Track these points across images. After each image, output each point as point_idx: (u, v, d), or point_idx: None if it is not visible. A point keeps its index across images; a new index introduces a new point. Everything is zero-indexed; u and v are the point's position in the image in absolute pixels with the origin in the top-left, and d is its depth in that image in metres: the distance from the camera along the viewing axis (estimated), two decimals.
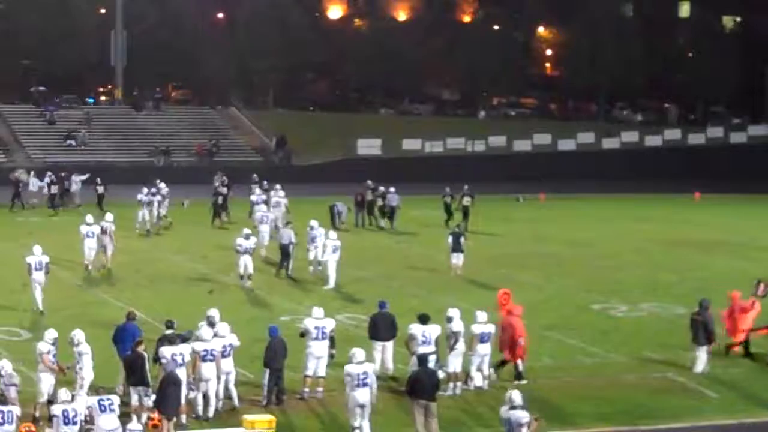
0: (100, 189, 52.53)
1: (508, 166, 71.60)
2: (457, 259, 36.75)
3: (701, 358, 24.76)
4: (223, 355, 21.25)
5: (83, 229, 36.19)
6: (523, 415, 17.31)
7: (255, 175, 51.87)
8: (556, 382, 23.91)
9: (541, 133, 78.05)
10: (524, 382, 23.54)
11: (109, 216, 37.43)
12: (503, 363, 23.91)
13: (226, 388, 21.37)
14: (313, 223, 36.57)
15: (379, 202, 48.36)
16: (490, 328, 23.25)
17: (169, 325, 21.83)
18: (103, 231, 36.24)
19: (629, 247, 44.29)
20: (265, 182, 49.47)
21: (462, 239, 37.26)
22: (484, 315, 23.33)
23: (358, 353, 19.97)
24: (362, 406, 19.58)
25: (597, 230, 49.25)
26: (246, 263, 33.33)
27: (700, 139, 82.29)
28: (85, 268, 36.01)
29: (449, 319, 22.99)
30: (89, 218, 37.14)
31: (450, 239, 37.13)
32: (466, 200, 47.76)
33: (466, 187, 48.32)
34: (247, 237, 33.79)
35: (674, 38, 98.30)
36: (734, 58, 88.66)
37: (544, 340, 27.60)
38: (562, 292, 34.01)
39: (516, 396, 17.56)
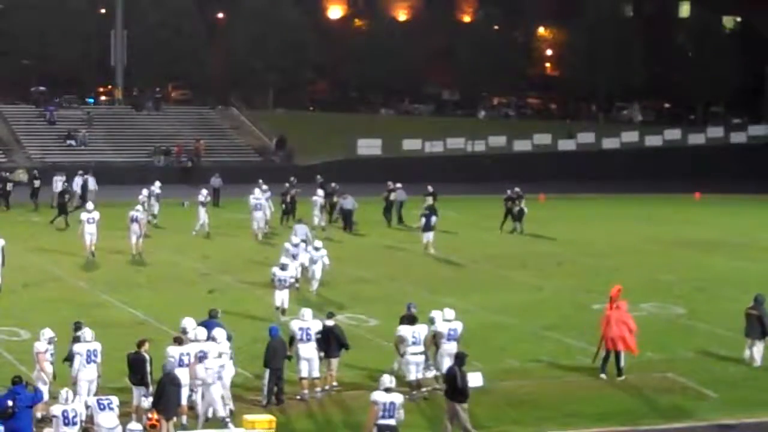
0: (37, 183, 52.98)
1: (508, 166, 71.56)
2: (428, 237, 40.77)
3: (758, 351, 25.11)
4: (230, 358, 21.24)
5: (83, 215, 38.44)
6: (398, 397, 18.46)
7: (318, 176, 52.34)
8: (556, 382, 23.92)
9: (541, 133, 78.05)
10: (623, 377, 23.98)
11: (138, 207, 40.38)
12: (609, 356, 24.23)
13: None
14: (296, 239, 34.49)
15: (429, 200, 48.46)
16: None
17: (78, 326, 21.75)
18: (134, 220, 38.84)
19: (629, 247, 44.28)
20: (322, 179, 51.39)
21: (434, 219, 41.30)
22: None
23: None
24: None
25: (597, 230, 49.23)
26: (283, 299, 29.36)
27: (700, 139, 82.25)
28: (90, 254, 37.80)
29: (432, 320, 23.07)
30: (90, 205, 39.52)
31: (423, 220, 41.24)
32: (522, 202, 47.49)
33: (517, 189, 48.06)
34: (283, 267, 29.79)
35: (674, 38, 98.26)
36: (734, 58, 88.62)
37: (544, 340, 27.62)
38: (562, 292, 34.00)
39: (386, 379, 18.60)
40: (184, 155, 68.70)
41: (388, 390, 18.47)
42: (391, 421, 18.36)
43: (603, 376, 24.12)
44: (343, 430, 20.73)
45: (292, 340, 22.47)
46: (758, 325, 25.26)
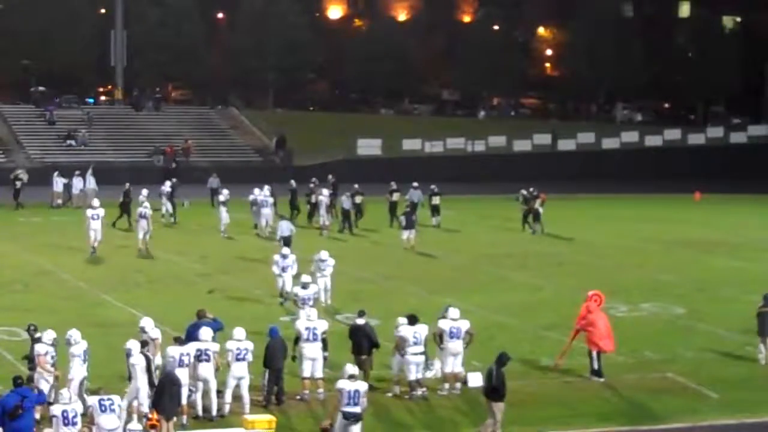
0: (18, 184, 53.27)
1: (508, 166, 71.59)
2: (409, 234, 41.66)
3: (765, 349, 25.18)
4: (237, 359, 21.25)
5: (89, 212, 39.40)
6: (362, 385, 19.08)
7: (330, 176, 52.34)
8: (556, 382, 23.90)
9: (541, 133, 78.06)
10: (603, 379, 23.89)
11: (146, 203, 41.06)
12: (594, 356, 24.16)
13: (238, 394, 21.29)
14: (286, 250, 32.01)
15: (435, 200, 48.75)
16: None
17: (33, 328, 21.71)
18: (142, 216, 40.00)
19: (629, 247, 44.27)
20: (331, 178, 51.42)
21: (414, 217, 42.53)
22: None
23: (237, 332, 21.39)
24: (241, 378, 21.13)
25: (597, 230, 49.21)
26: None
27: (700, 139, 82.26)
28: (93, 249, 38.71)
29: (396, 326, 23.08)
30: (96, 202, 40.27)
31: (402, 218, 42.39)
32: (537, 202, 47.62)
33: (531, 189, 48.22)
34: (304, 286, 27.60)
35: (674, 38, 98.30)
36: (734, 58, 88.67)
37: (543, 340, 27.61)
38: (562, 292, 33.96)
39: (349, 368, 19.28)
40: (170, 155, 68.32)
41: (352, 377, 19.01)
42: (356, 409, 18.81)
43: (602, 379, 24.02)
44: None
45: (297, 339, 22.50)
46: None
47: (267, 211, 45.17)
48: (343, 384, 18.99)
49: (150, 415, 19.44)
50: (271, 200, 45.36)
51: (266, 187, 46.26)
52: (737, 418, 21.75)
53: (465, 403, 22.33)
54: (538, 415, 21.58)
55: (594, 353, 24.25)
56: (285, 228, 38.21)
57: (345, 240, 44.57)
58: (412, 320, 22.80)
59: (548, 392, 23.09)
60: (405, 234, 41.81)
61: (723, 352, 26.53)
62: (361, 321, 23.16)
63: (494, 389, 19.93)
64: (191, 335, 21.90)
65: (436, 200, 48.75)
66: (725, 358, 26.05)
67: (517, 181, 59.50)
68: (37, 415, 19.21)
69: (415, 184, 49.89)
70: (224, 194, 45.71)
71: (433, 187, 49.16)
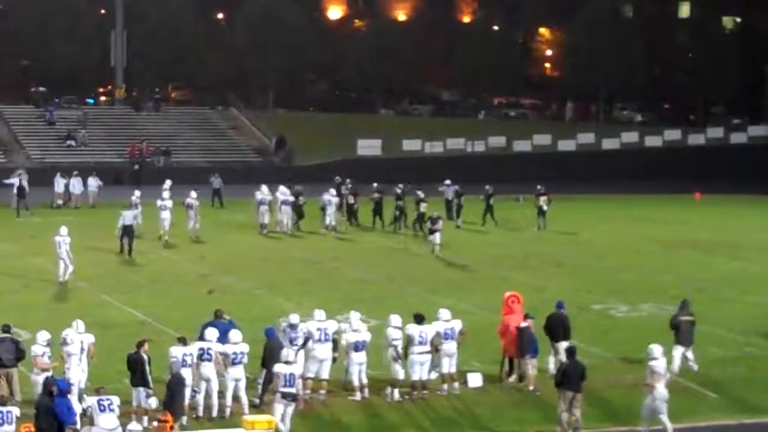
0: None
1: (508, 166, 71.53)
2: (434, 239, 41.14)
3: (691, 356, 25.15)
4: (234, 362, 21.24)
5: (158, 202, 42.06)
6: (297, 369, 20.72)
7: (337, 177, 51.97)
8: None
9: (541, 133, 78.03)
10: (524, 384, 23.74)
11: (193, 194, 43.09)
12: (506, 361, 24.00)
13: (236, 395, 21.33)
14: (295, 318, 23.15)
15: (460, 200, 49.23)
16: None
17: (6, 329, 21.80)
18: (189, 206, 42.23)
19: (629, 247, 44.27)
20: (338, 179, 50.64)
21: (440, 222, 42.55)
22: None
23: (233, 335, 21.51)
24: (238, 380, 21.29)
25: (597, 230, 49.21)
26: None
27: (700, 140, 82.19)
28: (159, 238, 41.37)
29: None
30: (165, 194, 42.56)
31: (429, 223, 42.16)
32: (542, 200, 48.01)
33: (539, 186, 48.60)
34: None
35: (674, 38, 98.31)
36: (734, 58, 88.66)
37: (544, 341, 27.56)
38: (562, 292, 33.94)
39: (284, 352, 20.81)
40: (129, 156, 67.70)
41: (288, 363, 20.36)
42: (292, 389, 20.15)
43: (511, 379, 23.82)
44: (344, 430, 20.74)
45: (307, 340, 22.49)
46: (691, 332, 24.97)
47: (287, 210, 45.39)
48: (280, 368, 20.19)
49: (161, 417, 19.43)
50: (291, 198, 45.63)
51: (281, 187, 46.22)
52: (737, 418, 21.75)
53: (464, 403, 22.32)
54: (539, 415, 21.58)
55: (507, 359, 23.88)
56: (129, 217, 38.95)
57: (343, 240, 44.58)
58: (420, 319, 22.76)
59: (548, 392, 23.06)
60: (435, 238, 40.68)
61: (723, 352, 26.50)
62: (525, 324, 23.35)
63: (581, 382, 20.49)
64: (204, 335, 21.90)
65: (460, 200, 49.09)
66: (725, 358, 26.04)
67: (518, 181, 59.52)
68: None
69: (448, 181, 49.96)
70: (283, 192, 45.58)
71: (456, 187, 49.38)
